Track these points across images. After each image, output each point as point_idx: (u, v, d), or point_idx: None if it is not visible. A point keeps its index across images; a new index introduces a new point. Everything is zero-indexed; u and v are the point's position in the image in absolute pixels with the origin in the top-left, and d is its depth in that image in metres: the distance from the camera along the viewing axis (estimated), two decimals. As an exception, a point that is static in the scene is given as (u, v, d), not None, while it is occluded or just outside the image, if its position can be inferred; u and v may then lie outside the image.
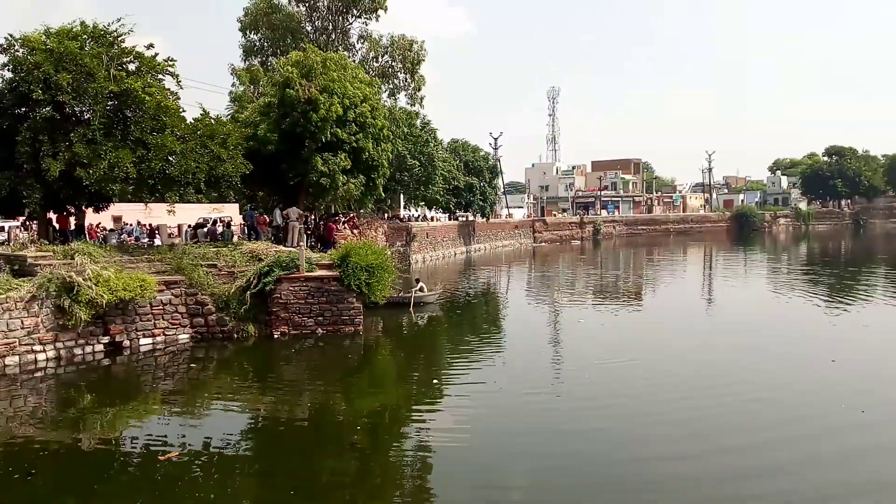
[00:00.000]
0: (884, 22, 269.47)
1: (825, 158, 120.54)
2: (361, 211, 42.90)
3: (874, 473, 11.05)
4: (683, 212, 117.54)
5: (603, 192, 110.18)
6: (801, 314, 27.46)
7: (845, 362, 18.13)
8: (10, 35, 22.38)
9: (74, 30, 22.77)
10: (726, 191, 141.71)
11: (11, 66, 22.27)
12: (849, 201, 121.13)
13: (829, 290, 34.76)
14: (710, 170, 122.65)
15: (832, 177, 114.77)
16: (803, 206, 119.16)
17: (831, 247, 72.61)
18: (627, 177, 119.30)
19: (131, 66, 23.44)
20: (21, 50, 22.17)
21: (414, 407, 15.54)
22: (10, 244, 25.61)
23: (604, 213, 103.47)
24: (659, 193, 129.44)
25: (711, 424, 13.51)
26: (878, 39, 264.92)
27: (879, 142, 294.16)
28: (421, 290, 29.52)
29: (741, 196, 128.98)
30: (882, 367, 17.88)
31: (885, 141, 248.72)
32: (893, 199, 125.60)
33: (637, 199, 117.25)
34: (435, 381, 17.62)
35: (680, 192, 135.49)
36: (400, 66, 46.36)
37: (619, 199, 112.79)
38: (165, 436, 13.29)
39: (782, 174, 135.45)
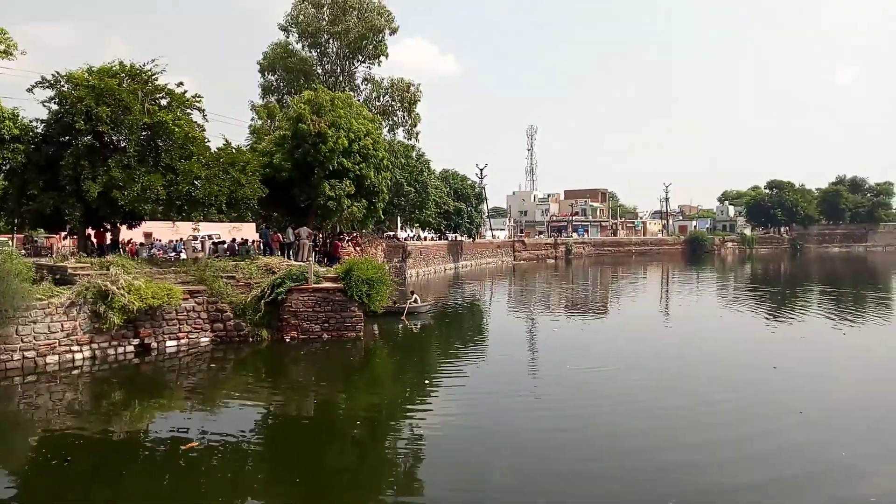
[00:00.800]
0: (816, 69, 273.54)
1: (767, 191, 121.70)
2: (363, 231, 42.86)
3: (808, 465, 11.08)
4: (644, 235, 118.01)
5: (574, 218, 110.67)
6: (746, 326, 27.53)
7: (786, 369, 18.17)
8: (57, 72, 22.40)
9: (114, 68, 22.80)
10: (681, 217, 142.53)
11: (57, 100, 22.27)
12: (787, 228, 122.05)
13: (771, 306, 34.89)
14: (667, 199, 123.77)
15: (773, 207, 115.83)
16: (748, 231, 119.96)
17: (772, 268, 73.00)
18: (595, 204, 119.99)
19: (163, 101, 23.46)
20: (66, 86, 22.19)
21: (407, 404, 15.45)
22: (53, 256, 25.43)
23: (575, 235, 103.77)
24: (623, 219, 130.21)
25: (668, 421, 13.50)
26: (812, 84, 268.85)
27: (814, 177, 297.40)
28: (415, 301, 29.44)
29: (694, 222, 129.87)
30: (817, 375, 17.93)
31: (818, 176, 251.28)
32: (826, 228, 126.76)
33: (604, 223, 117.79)
34: (426, 381, 17.52)
35: (641, 218, 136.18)
36: (399, 105, 46.57)
37: (588, 223, 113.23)
38: (187, 428, 13.15)
39: (730, 204, 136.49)
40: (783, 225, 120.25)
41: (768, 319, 29.48)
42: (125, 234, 28.22)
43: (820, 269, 69.99)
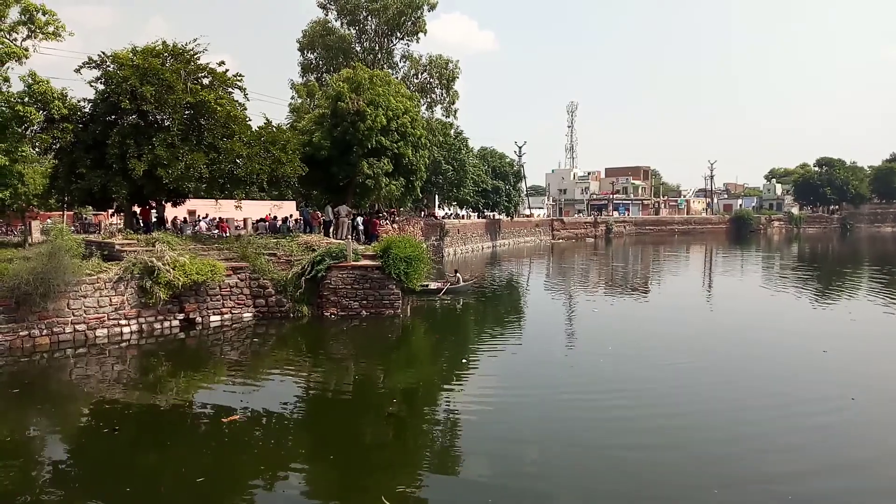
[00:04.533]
0: (867, 44, 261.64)
1: (816, 168, 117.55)
2: (401, 209, 43.01)
3: (860, 454, 10.73)
4: (687, 214, 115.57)
5: (615, 196, 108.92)
6: (793, 308, 26.76)
7: (835, 353, 17.62)
8: (103, 53, 22.89)
9: (157, 48, 23.14)
10: (726, 196, 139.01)
11: (103, 80, 22.74)
12: (837, 207, 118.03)
13: (819, 287, 33.87)
14: (711, 177, 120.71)
15: (822, 185, 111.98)
16: (795, 210, 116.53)
17: (820, 248, 70.74)
18: (637, 182, 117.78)
19: (205, 81, 23.77)
20: (111, 66, 22.62)
21: (444, 381, 15.49)
22: (101, 233, 26.17)
23: (615, 214, 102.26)
24: (665, 197, 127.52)
25: (709, 406, 13.24)
26: (865, 59, 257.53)
27: (866, 153, 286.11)
28: (457, 280, 29.43)
29: (739, 201, 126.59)
30: (867, 358, 17.30)
31: (871, 152, 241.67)
32: (878, 207, 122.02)
33: (645, 202, 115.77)
34: (463, 359, 17.54)
35: (684, 196, 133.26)
36: (437, 82, 46.35)
37: (630, 202, 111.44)
38: (230, 400, 13.46)
39: (777, 182, 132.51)
40: (833, 204, 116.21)
41: (816, 301, 28.61)
42: (169, 211, 28.77)
43: (871, 249, 67.51)
